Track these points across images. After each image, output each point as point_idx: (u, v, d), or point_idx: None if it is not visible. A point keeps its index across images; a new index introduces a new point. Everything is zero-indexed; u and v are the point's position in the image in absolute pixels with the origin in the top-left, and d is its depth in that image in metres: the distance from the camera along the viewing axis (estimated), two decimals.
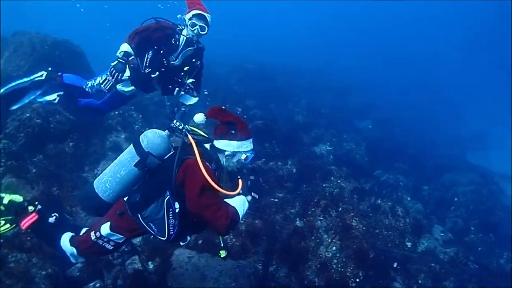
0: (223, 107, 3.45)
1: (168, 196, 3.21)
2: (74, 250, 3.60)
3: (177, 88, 5.67)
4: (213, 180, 2.99)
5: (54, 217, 4.04)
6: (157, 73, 5.39)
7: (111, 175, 3.44)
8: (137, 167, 3.35)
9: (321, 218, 6.45)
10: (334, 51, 33.75)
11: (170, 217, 3.23)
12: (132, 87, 5.57)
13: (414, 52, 38.11)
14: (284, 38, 39.45)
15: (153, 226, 3.30)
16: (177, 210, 3.20)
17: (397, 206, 7.81)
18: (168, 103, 6.04)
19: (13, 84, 5.78)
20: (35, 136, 6.46)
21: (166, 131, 3.60)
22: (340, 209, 6.58)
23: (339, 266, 5.92)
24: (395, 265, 6.97)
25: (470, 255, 8.34)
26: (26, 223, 3.69)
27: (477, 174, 13.04)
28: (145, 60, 5.35)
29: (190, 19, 5.25)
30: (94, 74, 7.07)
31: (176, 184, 3.15)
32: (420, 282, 6.83)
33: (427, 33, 44.85)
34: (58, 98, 5.84)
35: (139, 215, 3.31)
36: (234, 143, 3.35)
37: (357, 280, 5.91)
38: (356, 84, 19.75)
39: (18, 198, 3.82)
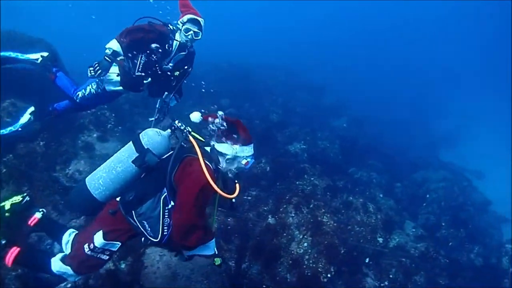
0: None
1: (166, 193, 3.17)
2: (69, 268, 3.40)
3: (166, 92, 5.68)
4: (212, 180, 3.00)
5: (42, 212, 3.95)
6: (149, 78, 5.36)
7: (106, 171, 3.35)
8: (135, 163, 3.28)
9: (293, 215, 6.53)
10: (320, 51, 34.00)
11: (166, 216, 3.18)
12: (121, 88, 5.48)
13: (394, 51, 38.73)
14: (267, 37, 39.57)
15: (146, 225, 3.21)
16: (170, 207, 3.17)
17: (368, 203, 7.94)
18: (159, 106, 6.01)
19: (7, 54, 5.76)
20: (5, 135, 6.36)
21: (168, 130, 3.58)
22: (311, 205, 6.68)
23: (311, 262, 6.00)
24: (367, 260, 7.10)
25: (441, 250, 8.53)
26: (9, 259, 3.46)
27: (448, 171, 13.37)
28: (138, 64, 5.28)
29: (184, 23, 5.22)
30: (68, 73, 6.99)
31: (173, 181, 3.13)
32: (391, 276, 6.96)
33: (410, 34, 45.62)
34: (31, 117, 5.80)
35: (133, 212, 3.22)
36: (236, 147, 3.35)
37: (329, 275, 6.01)
38: (332, 83, 19.94)
39: None
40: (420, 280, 7.12)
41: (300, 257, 6.03)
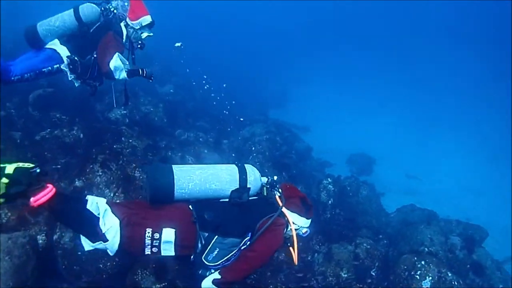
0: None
1: (249, 237, 3.30)
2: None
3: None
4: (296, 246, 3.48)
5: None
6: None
7: (201, 180, 3.30)
8: (232, 195, 3.39)
9: (100, 174, 6.19)
10: None
11: (236, 251, 3.29)
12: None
13: (227, 19, 39.41)
14: None
15: (215, 251, 3.20)
16: (242, 247, 3.31)
17: (187, 156, 7.98)
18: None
19: None
20: None
21: (264, 178, 3.81)
22: (120, 162, 6.43)
23: None
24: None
25: None
26: (39, 199, 2.71)
27: (273, 125, 14.22)
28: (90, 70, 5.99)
29: (142, 26, 5.88)
30: None
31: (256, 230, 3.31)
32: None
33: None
34: None
35: (216, 237, 3.20)
36: (303, 219, 3.65)
37: None
38: (158, 52, 19.57)
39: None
40: None
41: None
